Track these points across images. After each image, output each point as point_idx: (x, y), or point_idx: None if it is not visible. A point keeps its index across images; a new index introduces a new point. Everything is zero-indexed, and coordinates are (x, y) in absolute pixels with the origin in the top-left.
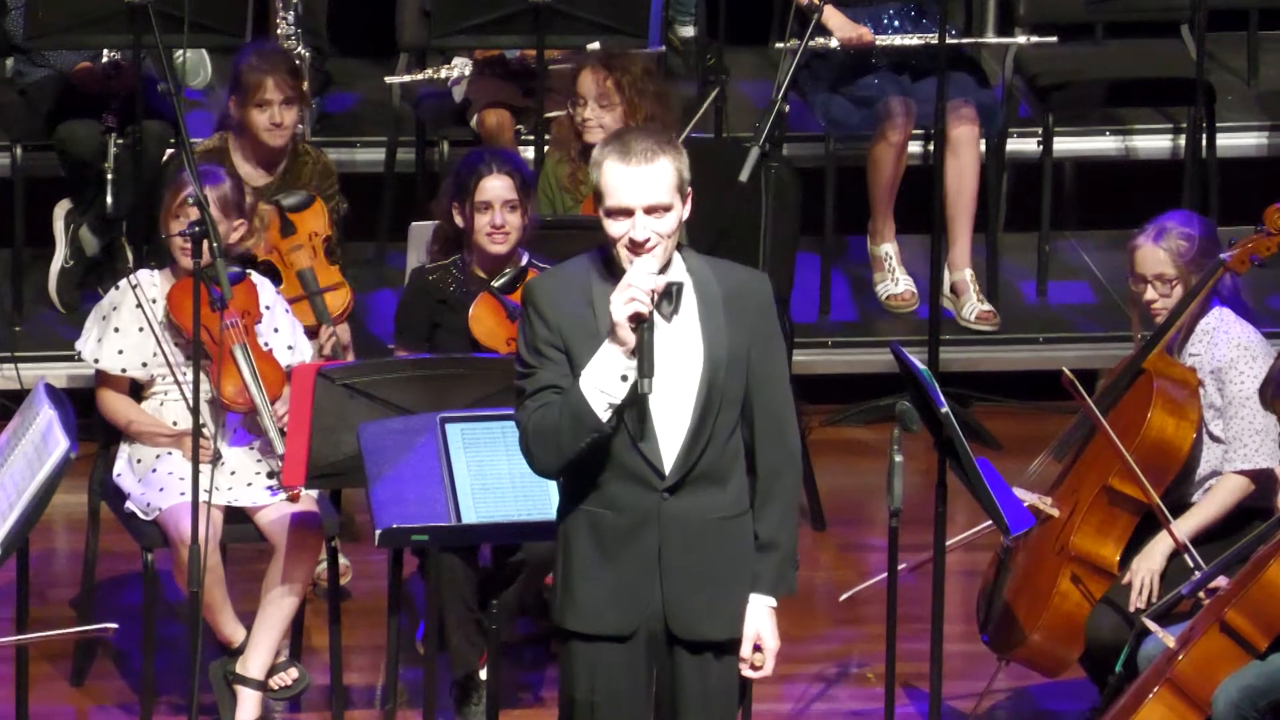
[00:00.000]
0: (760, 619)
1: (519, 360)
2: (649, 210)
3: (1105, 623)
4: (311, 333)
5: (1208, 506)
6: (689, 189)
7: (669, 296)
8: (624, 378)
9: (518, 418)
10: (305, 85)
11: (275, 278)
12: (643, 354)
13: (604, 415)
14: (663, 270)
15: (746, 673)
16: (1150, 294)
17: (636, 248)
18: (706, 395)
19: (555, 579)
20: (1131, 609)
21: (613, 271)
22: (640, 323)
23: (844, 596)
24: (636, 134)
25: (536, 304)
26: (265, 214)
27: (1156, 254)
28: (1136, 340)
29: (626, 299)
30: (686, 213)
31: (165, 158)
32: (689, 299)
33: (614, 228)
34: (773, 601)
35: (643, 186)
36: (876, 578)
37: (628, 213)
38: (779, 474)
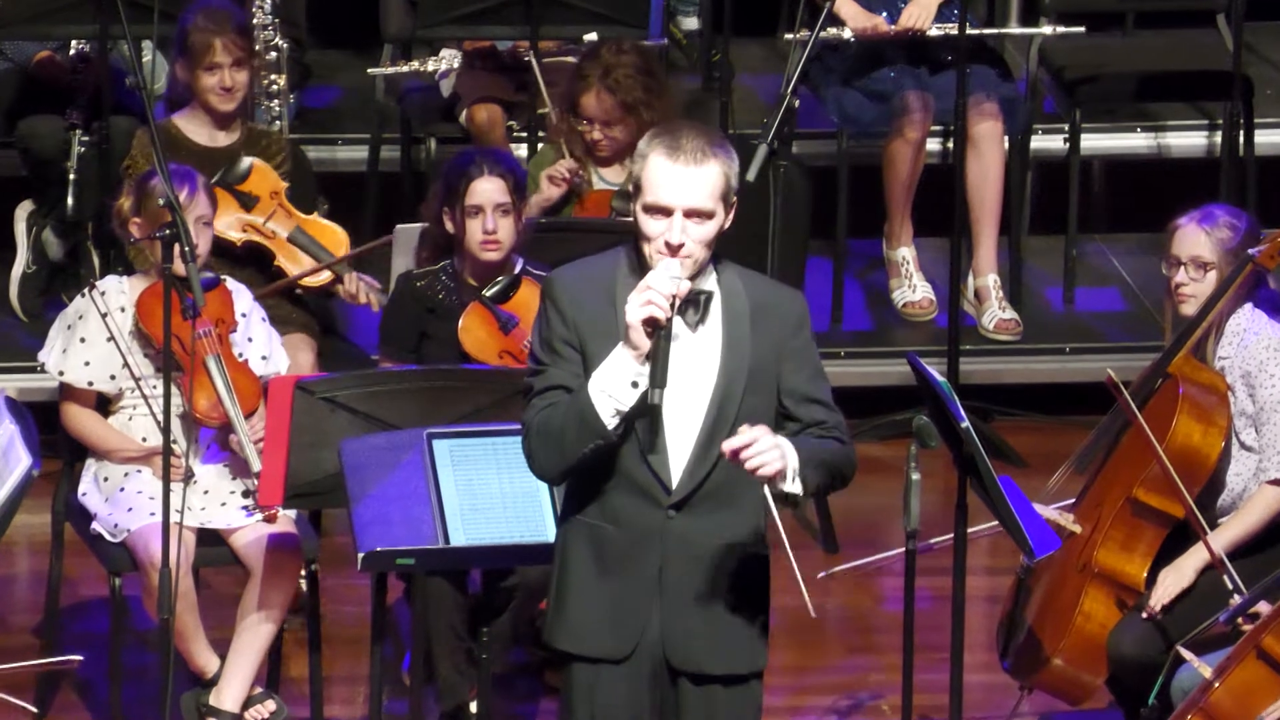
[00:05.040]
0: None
1: (531, 356)
2: (689, 214)
3: (1127, 637)
4: (328, 292)
5: (1243, 520)
6: (735, 198)
7: (696, 305)
8: (634, 384)
9: (523, 416)
10: (272, 51)
11: (267, 260)
12: (656, 362)
13: (610, 422)
14: (693, 279)
15: (729, 443)
16: (1181, 276)
17: (671, 251)
18: (718, 409)
19: (549, 596)
20: (1144, 614)
21: (640, 270)
22: (656, 329)
23: (823, 575)
24: (690, 130)
25: (556, 299)
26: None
27: (1198, 236)
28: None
29: (643, 301)
30: (728, 222)
31: (125, 161)
32: (715, 308)
33: (650, 226)
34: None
35: (687, 188)
36: (863, 560)
37: (667, 212)
38: (829, 430)
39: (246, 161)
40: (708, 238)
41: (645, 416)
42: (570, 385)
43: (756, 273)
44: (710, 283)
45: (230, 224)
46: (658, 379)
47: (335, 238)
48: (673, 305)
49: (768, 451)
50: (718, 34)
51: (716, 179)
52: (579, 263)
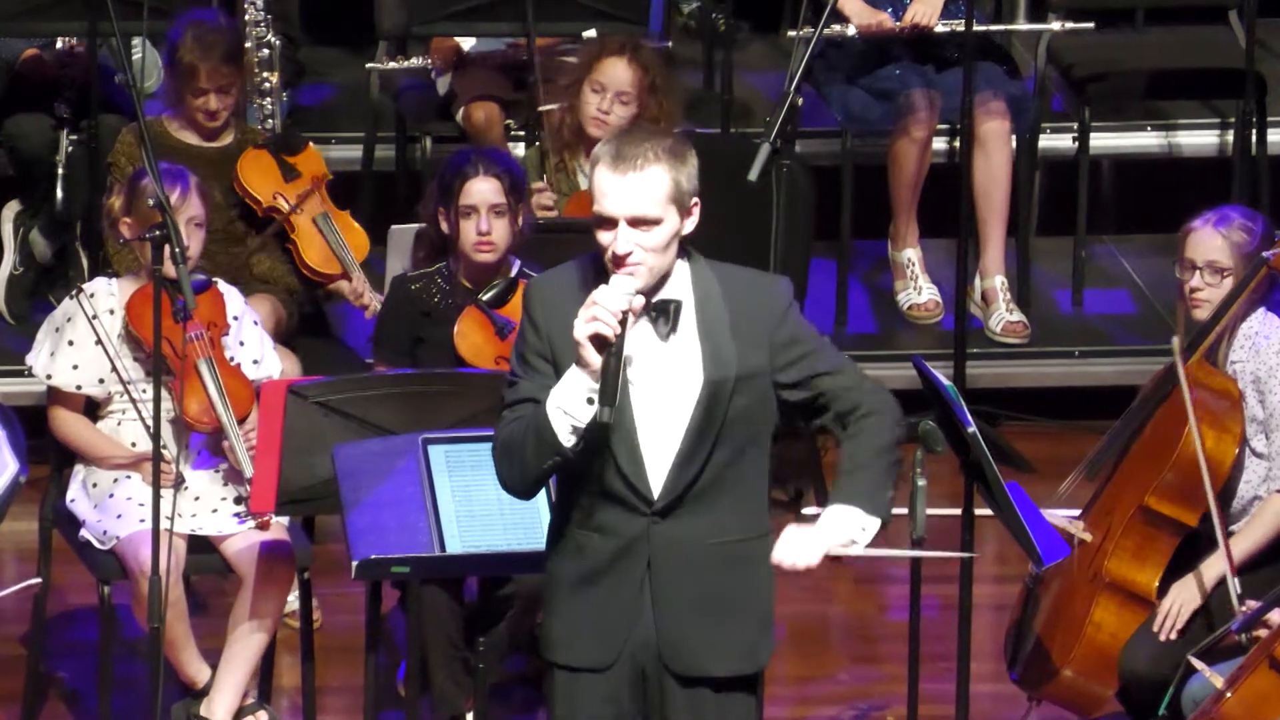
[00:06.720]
0: (833, 519)
1: (510, 368)
2: (633, 222)
3: (1141, 653)
4: (329, 289)
5: (1252, 533)
6: (693, 200)
7: (666, 315)
8: (590, 401)
9: (495, 429)
10: (257, 60)
11: (282, 235)
12: (605, 380)
13: (566, 439)
14: (659, 286)
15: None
16: (1196, 281)
17: (618, 261)
18: (703, 418)
19: (544, 608)
20: (1157, 631)
21: (607, 277)
22: (605, 346)
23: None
24: (636, 137)
25: (530, 308)
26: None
27: (1214, 239)
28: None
29: (588, 318)
30: (690, 225)
31: (109, 158)
32: (689, 316)
33: (600, 236)
34: (855, 511)
35: (628, 196)
36: None
37: (613, 222)
38: (866, 414)
39: (302, 139)
40: (658, 245)
41: (620, 429)
42: (539, 398)
43: (735, 266)
44: (680, 288)
45: (262, 190)
46: (606, 397)
47: (359, 239)
48: (624, 321)
49: (791, 557)
50: (719, 11)
51: (660, 184)
52: (558, 270)
